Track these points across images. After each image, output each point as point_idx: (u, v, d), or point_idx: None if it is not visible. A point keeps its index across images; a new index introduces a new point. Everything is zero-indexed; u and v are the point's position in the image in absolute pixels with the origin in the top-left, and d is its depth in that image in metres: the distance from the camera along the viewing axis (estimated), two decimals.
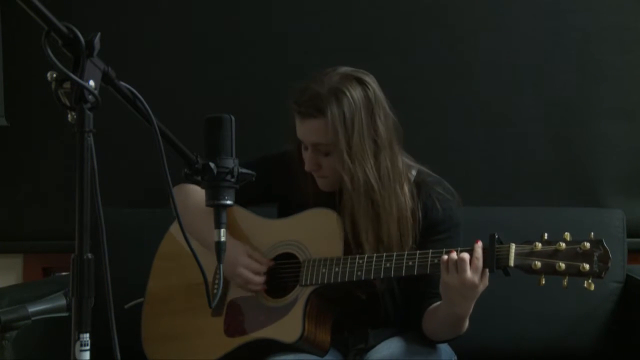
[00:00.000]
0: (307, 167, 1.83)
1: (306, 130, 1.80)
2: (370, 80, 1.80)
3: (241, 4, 2.65)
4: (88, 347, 0.97)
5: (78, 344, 0.96)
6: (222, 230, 1.24)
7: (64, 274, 2.70)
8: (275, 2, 2.64)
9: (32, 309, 1.39)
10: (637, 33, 2.51)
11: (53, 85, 0.98)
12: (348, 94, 1.75)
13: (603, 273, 1.55)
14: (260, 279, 1.86)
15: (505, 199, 2.52)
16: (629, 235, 2.37)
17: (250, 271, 1.85)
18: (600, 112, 2.53)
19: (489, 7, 2.56)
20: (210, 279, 1.93)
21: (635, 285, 2.26)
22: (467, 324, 1.74)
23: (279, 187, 1.97)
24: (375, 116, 1.77)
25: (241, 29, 2.64)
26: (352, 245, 1.79)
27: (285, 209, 1.97)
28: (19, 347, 1.40)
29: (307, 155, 1.82)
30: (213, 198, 1.23)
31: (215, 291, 1.88)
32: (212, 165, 1.20)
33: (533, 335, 2.29)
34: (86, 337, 0.97)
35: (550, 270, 1.58)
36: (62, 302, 1.44)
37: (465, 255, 1.61)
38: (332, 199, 1.87)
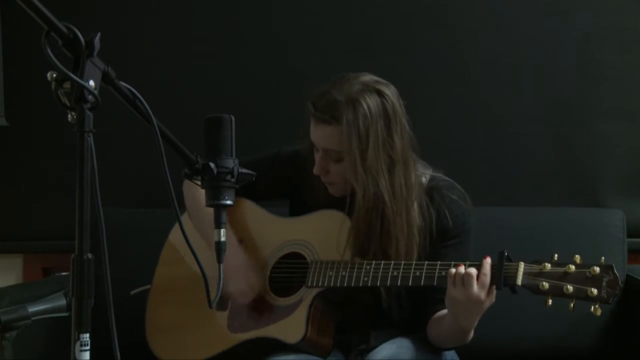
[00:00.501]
0: (315, 171, 1.82)
1: (319, 135, 1.79)
2: (391, 93, 1.77)
3: (241, 4, 2.65)
4: (88, 347, 0.97)
5: (78, 344, 0.96)
6: (222, 230, 1.24)
7: (64, 274, 2.70)
8: (275, 2, 2.64)
9: (32, 309, 1.39)
10: (637, 33, 2.51)
11: (53, 85, 0.98)
12: (365, 105, 1.72)
13: (611, 299, 1.54)
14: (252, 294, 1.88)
15: (505, 199, 2.52)
16: (629, 235, 2.37)
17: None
18: (600, 112, 2.52)
19: (489, 7, 2.56)
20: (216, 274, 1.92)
21: (635, 285, 2.26)
22: (472, 334, 1.73)
23: (291, 184, 1.97)
24: (392, 130, 1.75)
25: (241, 29, 2.64)
26: (356, 255, 1.79)
27: (297, 208, 1.97)
28: (19, 347, 1.40)
29: (317, 158, 1.82)
30: (213, 198, 1.23)
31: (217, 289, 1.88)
32: (212, 165, 1.20)
33: (533, 335, 2.28)
34: (86, 337, 0.97)
35: (557, 292, 1.57)
36: (62, 302, 1.44)
37: (473, 271, 1.60)
38: (343, 202, 1.87)
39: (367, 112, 1.73)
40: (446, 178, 1.89)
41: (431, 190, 1.84)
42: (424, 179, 1.86)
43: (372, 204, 1.74)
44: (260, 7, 2.64)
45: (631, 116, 2.52)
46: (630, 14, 2.50)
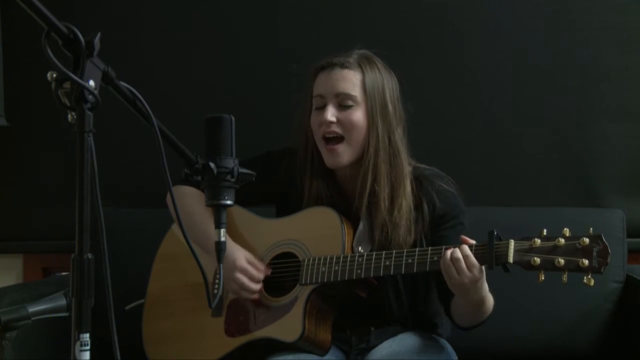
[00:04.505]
0: (323, 119, 1.81)
1: (335, 78, 1.82)
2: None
3: (241, 4, 2.65)
4: (88, 347, 0.97)
5: (78, 344, 0.96)
6: (222, 231, 1.24)
7: (64, 274, 2.70)
8: (275, 3, 2.64)
9: (32, 309, 1.39)
10: (637, 33, 2.51)
11: (53, 85, 0.98)
12: (379, 63, 1.86)
13: (602, 268, 1.55)
14: (256, 286, 1.85)
15: (505, 199, 2.52)
16: (629, 235, 2.37)
17: (247, 277, 1.84)
18: (600, 112, 2.52)
19: (490, 7, 2.56)
20: (209, 279, 1.93)
21: (635, 285, 2.26)
22: (491, 302, 1.74)
23: (280, 182, 1.96)
24: (397, 96, 1.86)
25: (241, 29, 2.64)
26: (364, 207, 1.81)
27: (285, 208, 1.96)
28: (19, 347, 1.40)
29: (326, 110, 1.82)
30: (213, 198, 1.23)
31: (215, 291, 1.88)
32: (212, 165, 1.20)
33: (533, 335, 2.29)
34: (86, 337, 0.97)
35: (549, 266, 1.58)
36: (62, 302, 1.44)
37: (459, 255, 1.62)
38: (332, 201, 1.87)
39: (382, 68, 1.85)
40: (429, 167, 1.92)
41: (419, 179, 1.87)
42: (408, 169, 1.88)
43: (387, 150, 1.81)
44: (261, 8, 2.64)
45: (631, 116, 2.52)
46: (630, 14, 2.50)
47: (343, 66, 1.82)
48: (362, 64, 1.83)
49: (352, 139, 1.81)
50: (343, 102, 1.81)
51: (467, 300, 1.69)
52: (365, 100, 1.81)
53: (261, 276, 1.86)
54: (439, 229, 1.83)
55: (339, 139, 1.82)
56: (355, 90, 1.81)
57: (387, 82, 1.84)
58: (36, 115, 2.67)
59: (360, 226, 1.84)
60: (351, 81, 1.81)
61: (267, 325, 1.84)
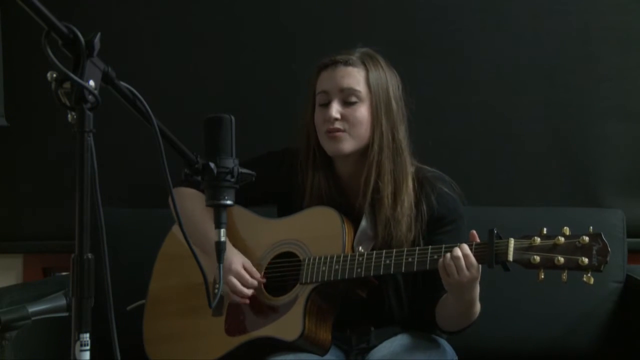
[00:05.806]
0: (327, 116, 1.81)
1: (340, 75, 1.82)
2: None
3: (241, 4, 2.65)
4: (88, 347, 0.97)
5: (78, 344, 0.96)
6: (222, 231, 1.24)
7: (64, 274, 2.70)
8: (275, 3, 2.64)
9: (32, 309, 1.39)
10: (637, 33, 2.51)
11: (53, 85, 0.98)
12: (382, 60, 1.86)
13: (602, 266, 1.56)
14: (248, 291, 1.85)
15: (505, 199, 2.52)
16: (629, 235, 2.37)
17: (239, 282, 1.85)
18: (600, 112, 2.52)
19: (490, 7, 2.56)
20: (210, 279, 1.93)
21: (635, 285, 2.26)
22: (478, 308, 1.75)
23: (281, 183, 1.96)
24: (400, 94, 1.87)
25: (241, 29, 2.64)
26: (370, 203, 1.82)
27: (286, 208, 1.96)
28: (19, 347, 1.40)
29: (330, 106, 1.82)
30: (213, 198, 1.23)
31: (215, 292, 1.88)
32: (212, 165, 1.20)
33: (533, 335, 2.29)
34: (86, 337, 0.97)
35: (549, 265, 1.59)
36: (62, 302, 1.44)
37: (460, 254, 1.63)
38: (333, 199, 1.87)
39: (385, 65, 1.86)
40: (432, 169, 1.92)
41: (420, 181, 1.87)
42: (411, 169, 1.88)
43: (391, 147, 1.82)
44: (260, 8, 2.64)
45: (631, 116, 2.52)
46: (630, 14, 2.50)
47: (347, 63, 1.83)
48: (366, 61, 1.84)
49: (356, 135, 1.82)
50: (347, 98, 1.82)
51: (461, 299, 1.69)
52: (370, 97, 1.82)
53: (254, 283, 1.86)
54: (436, 232, 1.83)
55: (341, 132, 1.82)
56: (360, 86, 1.81)
57: (390, 80, 1.85)
58: (36, 115, 2.67)
59: (363, 224, 1.84)
60: (355, 77, 1.82)
61: (267, 324, 1.84)
